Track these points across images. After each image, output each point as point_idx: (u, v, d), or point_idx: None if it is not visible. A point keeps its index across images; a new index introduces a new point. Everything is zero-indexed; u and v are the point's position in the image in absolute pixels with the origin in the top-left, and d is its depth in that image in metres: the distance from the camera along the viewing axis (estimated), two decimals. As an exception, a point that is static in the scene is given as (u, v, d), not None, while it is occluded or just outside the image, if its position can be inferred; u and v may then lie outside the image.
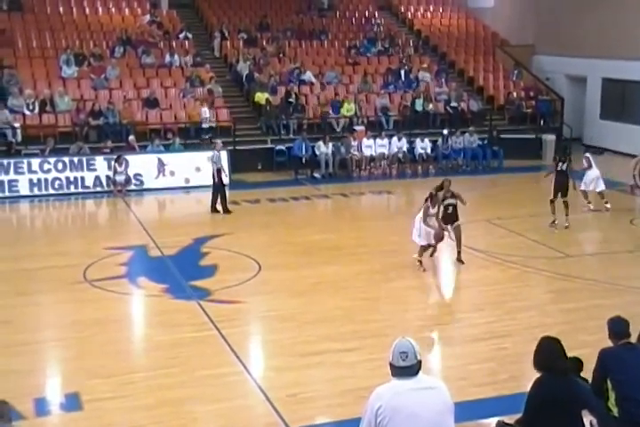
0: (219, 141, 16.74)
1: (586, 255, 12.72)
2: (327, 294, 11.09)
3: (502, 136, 21.27)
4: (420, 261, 12.14)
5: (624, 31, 21.58)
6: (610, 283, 11.32)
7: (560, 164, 14.72)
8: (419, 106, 22.05)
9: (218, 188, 16.04)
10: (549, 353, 5.99)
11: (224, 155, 16.86)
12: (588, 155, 16.30)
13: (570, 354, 6.40)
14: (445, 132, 20.81)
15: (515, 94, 23.39)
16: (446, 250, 13.92)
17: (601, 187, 15.79)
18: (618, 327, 6.41)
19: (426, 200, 12.11)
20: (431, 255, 12.57)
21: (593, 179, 15.83)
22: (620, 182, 18.33)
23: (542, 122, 22.66)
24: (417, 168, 20.38)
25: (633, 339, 6.49)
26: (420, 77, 23.72)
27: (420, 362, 4.77)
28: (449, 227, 12.35)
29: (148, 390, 8.13)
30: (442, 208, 12.23)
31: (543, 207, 15.60)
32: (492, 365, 8.84)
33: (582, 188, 15.79)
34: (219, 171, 15.94)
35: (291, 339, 9.48)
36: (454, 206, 12.35)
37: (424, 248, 12.23)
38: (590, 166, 15.92)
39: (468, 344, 9.45)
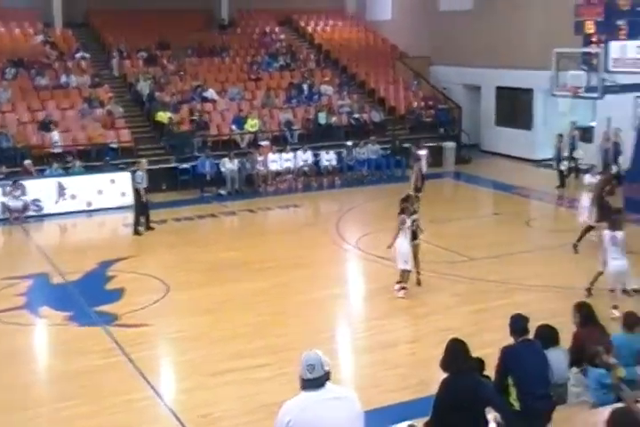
0: (143, 161, 16.42)
1: (487, 258, 13.05)
2: (236, 310, 11.00)
3: (404, 145, 21.70)
4: (405, 288, 11.46)
5: (514, 42, 22.42)
6: (511, 283, 11.70)
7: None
8: (322, 119, 22.27)
9: (141, 208, 15.75)
10: (455, 354, 6.15)
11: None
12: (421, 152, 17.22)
13: (477, 354, 6.59)
14: (349, 143, 21.08)
15: (415, 104, 23.96)
16: (354, 260, 14.13)
17: None
18: (518, 325, 6.65)
19: (400, 213, 11.48)
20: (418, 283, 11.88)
21: None
22: (513, 186, 19.05)
23: (442, 130, 23.26)
24: (323, 181, 20.52)
25: (532, 336, 6.74)
26: (323, 91, 23.99)
27: (327, 373, 4.79)
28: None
29: (56, 422, 7.88)
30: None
31: (446, 213, 16.06)
32: (403, 370, 8.99)
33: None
34: (142, 191, 15.65)
35: (200, 358, 9.36)
36: (417, 223, 11.79)
37: (407, 273, 11.52)
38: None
39: (379, 351, 9.55)
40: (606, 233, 10.55)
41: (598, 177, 14.44)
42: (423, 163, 17.37)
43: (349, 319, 11.14)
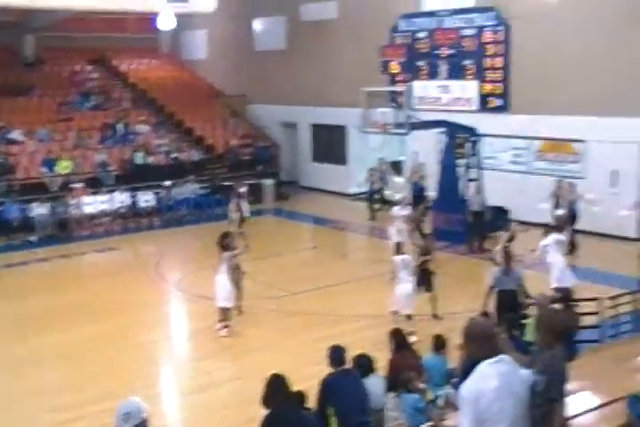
0: None
1: (308, 291, 13.19)
2: (46, 364, 10.32)
3: (224, 184, 21.72)
4: (227, 326, 11.28)
5: (327, 81, 23.26)
6: (331, 314, 11.90)
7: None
8: (139, 159, 21.82)
9: None
10: (275, 390, 6.18)
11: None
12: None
13: (299, 387, 6.62)
14: (168, 183, 20.77)
15: (233, 143, 24.12)
16: (175, 301, 13.83)
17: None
18: (335, 355, 6.80)
19: (224, 250, 11.41)
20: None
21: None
22: (331, 220, 19.61)
23: (261, 167, 23.53)
24: (141, 222, 19.94)
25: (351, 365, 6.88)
26: (139, 130, 23.56)
27: (144, 421, 4.66)
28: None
29: None
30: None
31: (266, 249, 16.19)
32: (229, 409, 8.85)
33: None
34: None
35: (3, 420, 8.64)
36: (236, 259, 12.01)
37: (228, 311, 11.40)
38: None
39: (205, 392, 9.39)
40: (398, 257, 11.13)
41: (408, 208, 15.16)
42: (243, 200, 17.48)
43: (173, 362, 10.87)
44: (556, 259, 11.29)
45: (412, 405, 6.84)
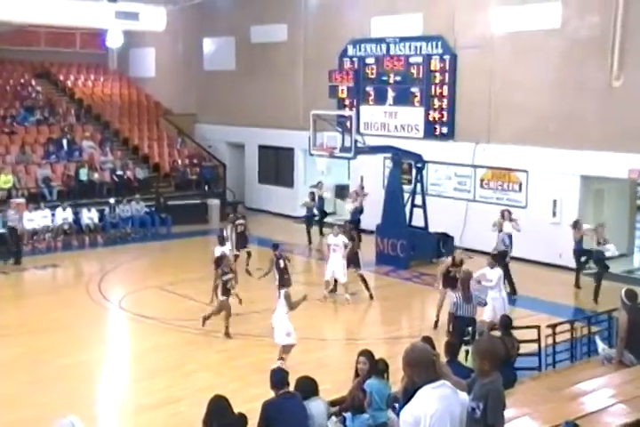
0: None
1: (251, 313, 13.02)
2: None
3: (169, 203, 21.58)
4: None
5: (276, 103, 23.36)
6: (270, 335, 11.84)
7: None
8: (83, 175, 21.55)
9: None
10: (215, 412, 6.18)
11: None
12: None
13: (241, 409, 6.63)
14: (112, 200, 20.53)
15: (179, 162, 24.03)
16: (117, 320, 13.63)
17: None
18: (277, 378, 6.81)
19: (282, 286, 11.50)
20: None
21: None
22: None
23: (207, 187, 23.49)
24: (84, 239, 19.63)
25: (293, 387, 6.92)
26: (84, 146, 23.29)
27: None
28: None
29: None
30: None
31: (211, 271, 16.05)
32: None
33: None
34: None
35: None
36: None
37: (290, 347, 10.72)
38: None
39: (144, 413, 9.31)
40: None
41: (341, 236, 14.68)
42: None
43: (115, 381, 10.75)
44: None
45: (363, 423, 6.98)
